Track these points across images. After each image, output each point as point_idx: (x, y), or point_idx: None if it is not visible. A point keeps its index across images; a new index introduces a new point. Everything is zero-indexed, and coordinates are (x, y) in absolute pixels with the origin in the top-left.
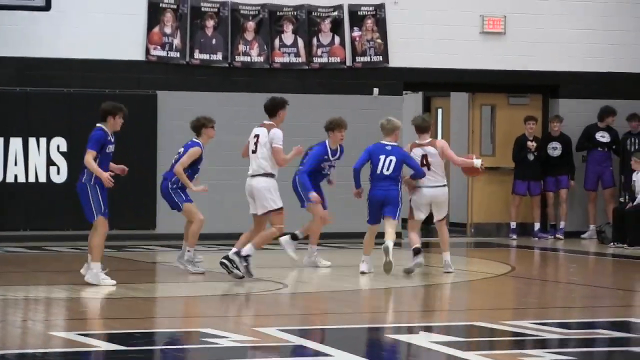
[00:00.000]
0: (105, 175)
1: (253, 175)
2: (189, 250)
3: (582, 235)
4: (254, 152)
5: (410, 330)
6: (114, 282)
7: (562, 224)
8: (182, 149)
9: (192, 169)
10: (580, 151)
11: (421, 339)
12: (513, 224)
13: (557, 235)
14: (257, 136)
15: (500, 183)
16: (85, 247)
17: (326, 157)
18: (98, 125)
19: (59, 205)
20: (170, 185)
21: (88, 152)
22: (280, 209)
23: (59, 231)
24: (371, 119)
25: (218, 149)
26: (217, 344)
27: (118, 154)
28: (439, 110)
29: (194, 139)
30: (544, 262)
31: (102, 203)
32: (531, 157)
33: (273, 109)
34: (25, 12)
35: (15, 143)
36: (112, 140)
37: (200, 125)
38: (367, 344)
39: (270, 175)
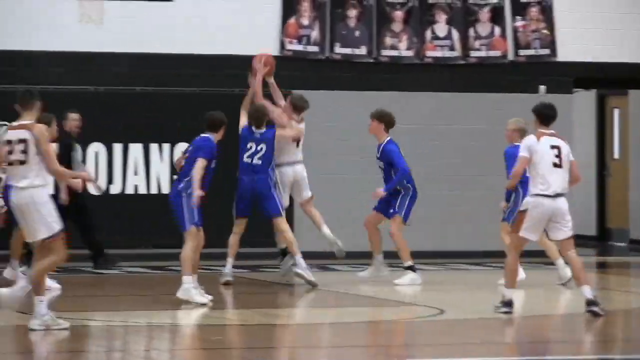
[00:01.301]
0: (198, 194)
1: (557, 195)
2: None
3: None
4: (559, 166)
5: None
6: (208, 298)
7: None
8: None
9: None
10: None
11: None
12: None
13: None
14: (557, 147)
15: None
16: (214, 267)
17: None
18: (206, 135)
19: None
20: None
21: (200, 160)
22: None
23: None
24: None
25: (353, 157)
26: None
27: None
28: (616, 111)
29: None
30: None
31: (195, 213)
32: None
33: (555, 115)
34: (152, 2)
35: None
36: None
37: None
38: None
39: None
